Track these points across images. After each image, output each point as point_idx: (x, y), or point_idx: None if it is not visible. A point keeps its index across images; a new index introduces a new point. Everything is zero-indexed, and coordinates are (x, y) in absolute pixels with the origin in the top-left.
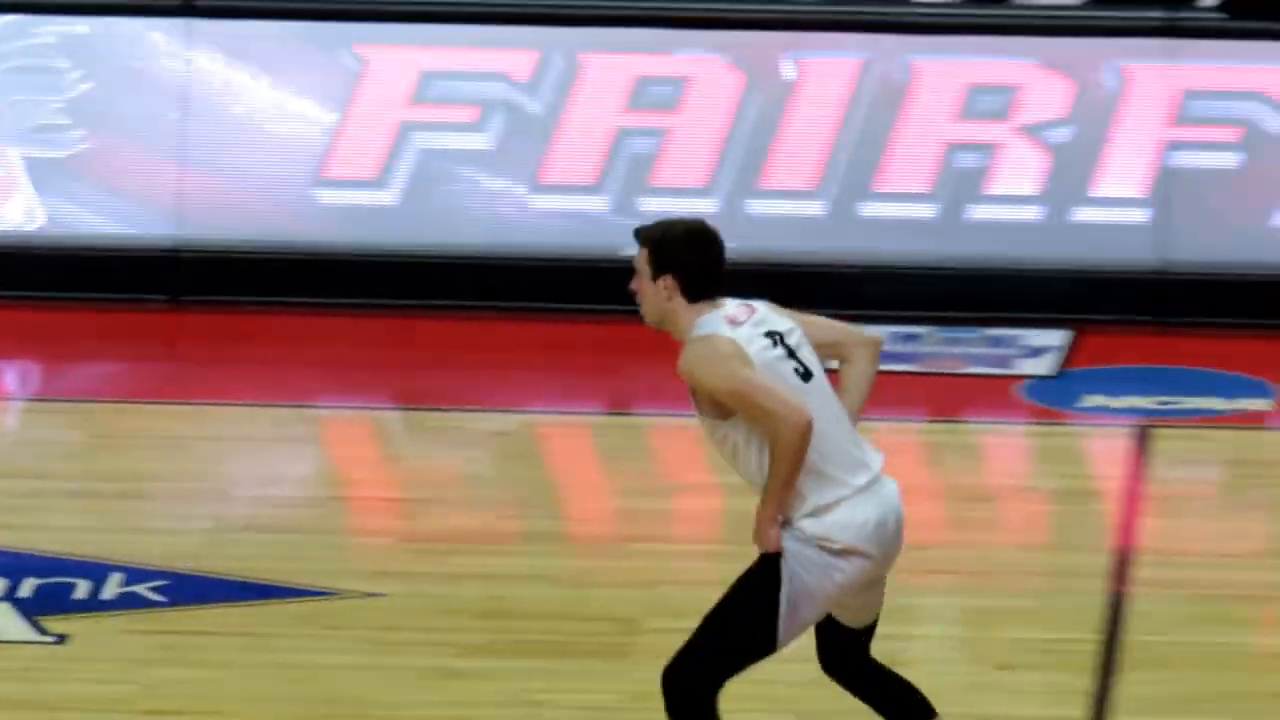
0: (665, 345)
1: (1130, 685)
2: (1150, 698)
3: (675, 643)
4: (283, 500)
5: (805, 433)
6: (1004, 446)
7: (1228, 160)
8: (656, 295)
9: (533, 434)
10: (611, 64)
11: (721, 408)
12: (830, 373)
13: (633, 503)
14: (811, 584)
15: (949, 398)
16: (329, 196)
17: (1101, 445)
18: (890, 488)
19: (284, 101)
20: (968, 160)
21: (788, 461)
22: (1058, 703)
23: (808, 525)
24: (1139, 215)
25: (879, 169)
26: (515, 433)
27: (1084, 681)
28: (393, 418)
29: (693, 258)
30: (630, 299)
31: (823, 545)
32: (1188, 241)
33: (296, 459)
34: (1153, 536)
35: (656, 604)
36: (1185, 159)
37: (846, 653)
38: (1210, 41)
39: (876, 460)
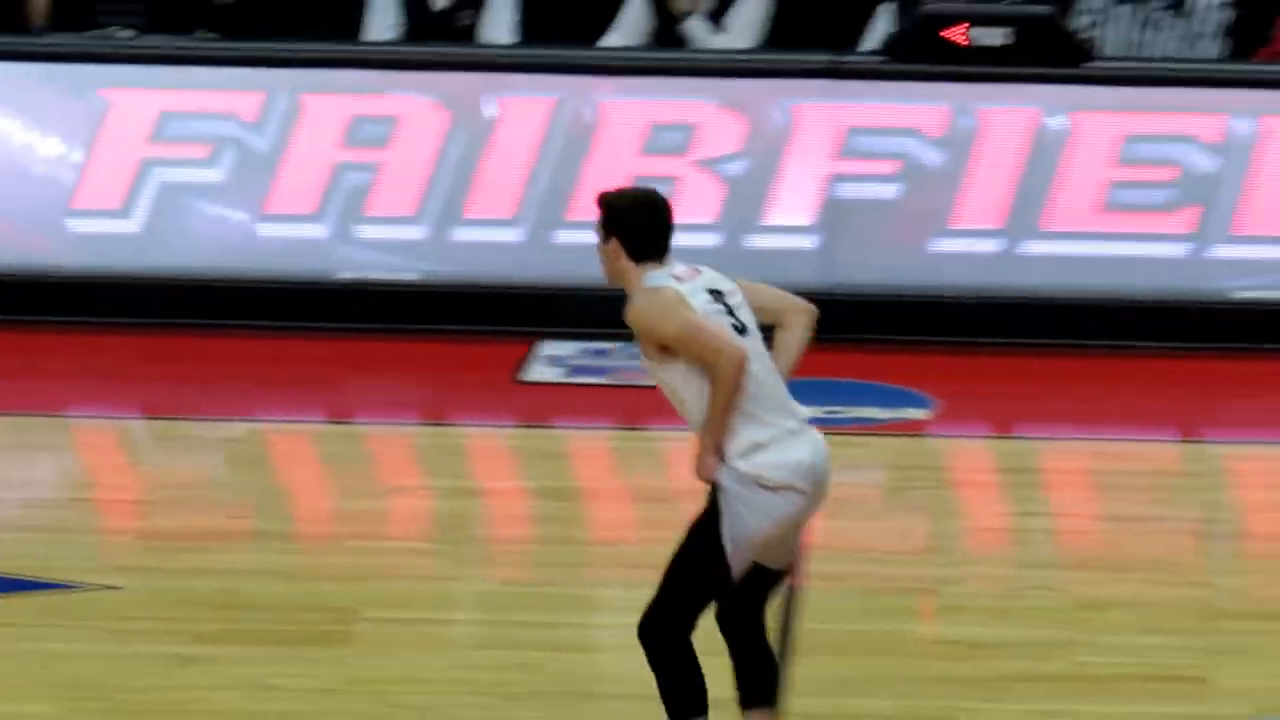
0: (381, 359)
1: (805, 669)
2: (824, 680)
3: (389, 630)
4: (28, 502)
5: (741, 365)
6: (685, 453)
7: (887, 191)
8: (608, 257)
9: (260, 441)
10: (329, 104)
11: (665, 352)
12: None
13: (350, 504)
14: (750, 520)
15: (636, 408)
16: (78, 225)
17: None
18: (817, 435)
19: (35, 140)
20: None
21: (725, 392)
22: None
23: (743, 465)
24: (807, 242)
25: (572, 199)
26: (244, 440)
27: None
28: (134, 426)
29: (637, 222)
30: (346, 318)
31: (759, 482)
32: (851, 265)
33: (42, 464)
34: (823, 535)
35: (371, 595)
36: (849, 190)
37: (747, 606)
38: (870, 83)
39: (804, 411)
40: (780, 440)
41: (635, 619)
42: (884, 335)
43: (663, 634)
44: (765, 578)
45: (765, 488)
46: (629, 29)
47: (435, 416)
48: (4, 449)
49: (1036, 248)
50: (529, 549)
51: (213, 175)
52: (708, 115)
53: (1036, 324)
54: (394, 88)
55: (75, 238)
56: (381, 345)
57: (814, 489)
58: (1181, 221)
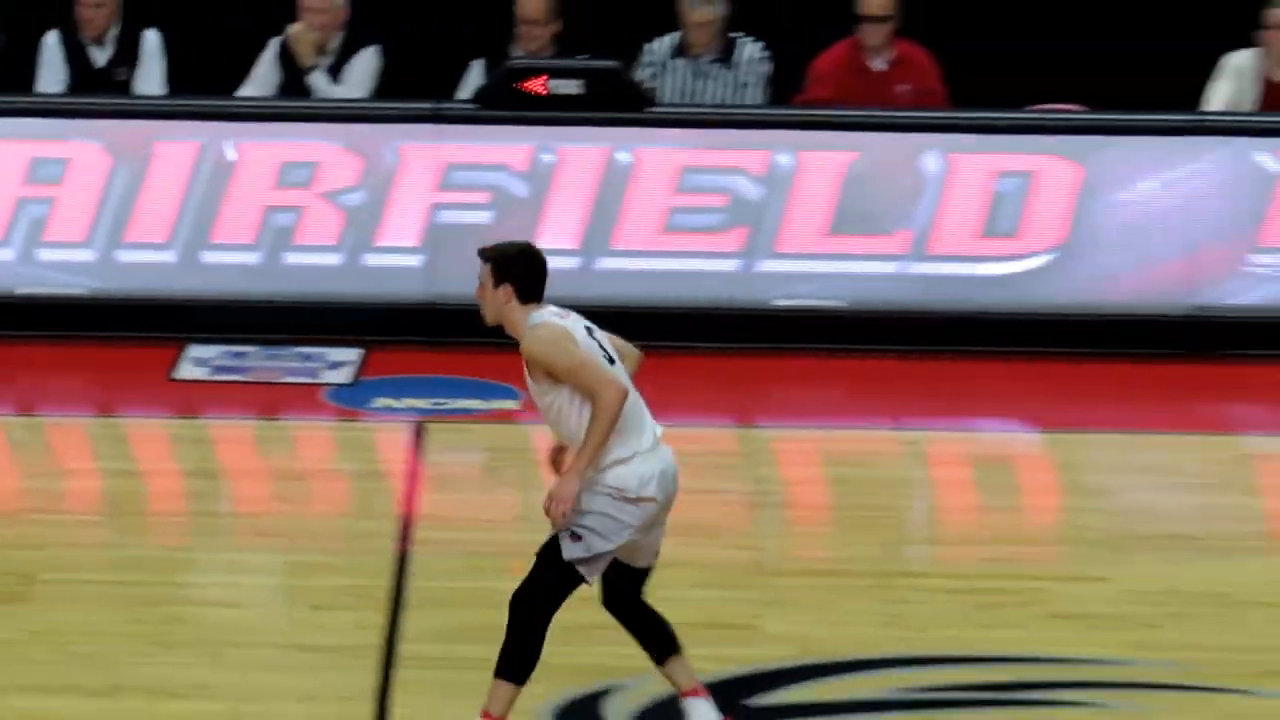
0: (57, 361)
1: (415, 620)
2: (436, 629)
3: (65, 590)
4: None
5: (623, 396)
6: (314, 438)
7: (481, 217)
8: (496, 299)
9: None
10: (11, 149)
11: (552, 378)
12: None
13: (31, 483)
14: (609, 526)
15: (271, 401)
16: None
17: (387, 437)
18: (668, 449)
19: None
20: (282, 219)
21: (609, 419)
22: (361, 635)
23: (609, 476)
24: (414, 260)
25: (216, 225)
26: None
27: (380, 617)
28: None
29: (525, 270)
30: (28, 327)
31: (621, 494)
32: (451, 279)
33: None
34: (430, 506)
35: (49, 561)
36: (449, 216)
37: (625, 593)
38: (466, 126)
39: (657, 429)
40: (643, 454)
41: (271, 580)
42: (479, 339)
43: (526, 610)
44: (635, 571)
45: (625, 499)
46: (261, 81)
47: (103, 409)
48: None
49: (608, 264)
50: (183, 520)
51: None
52: (329, 154)
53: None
54: (67, 134)
55: None
56: (57, 350)
57: (664, 497)
58: (731, 241)
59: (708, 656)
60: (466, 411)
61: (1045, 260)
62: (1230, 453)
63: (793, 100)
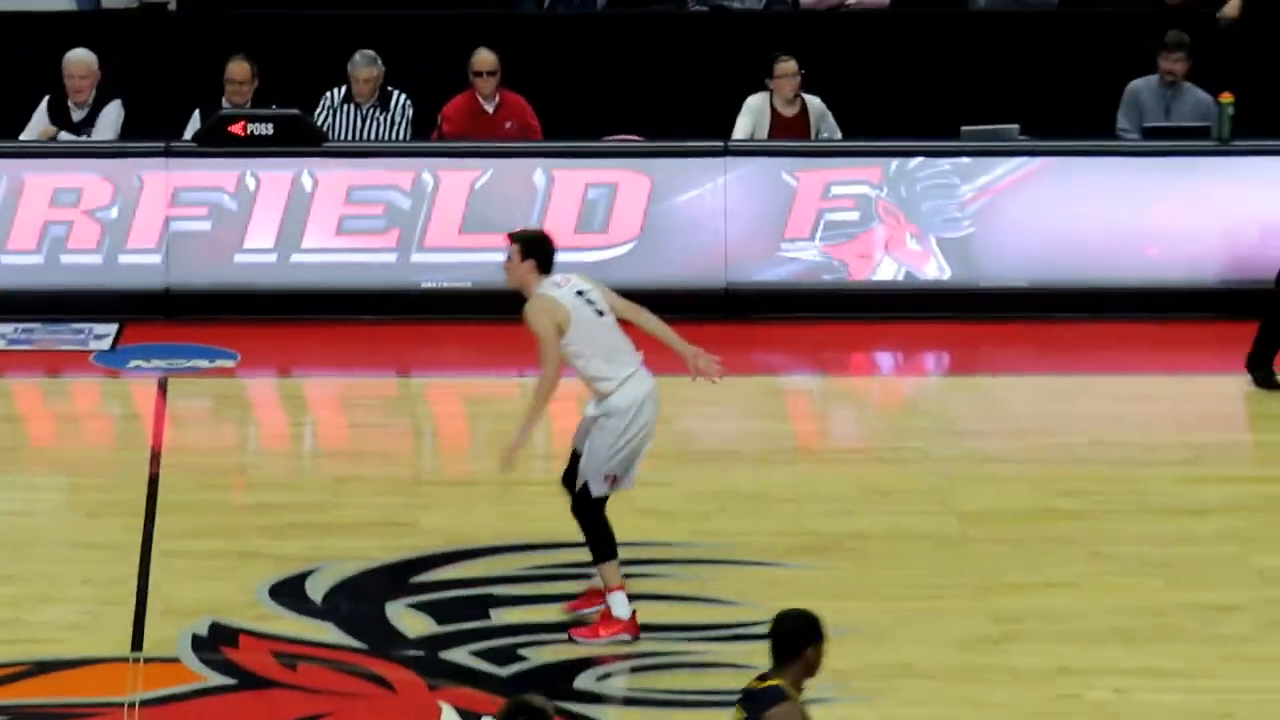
0: None
1: (166, 523)
2: (179, 530)
3: None
4: None
5: (555, 380)
6: (86, 391)
7: (204, 226)
8: (520, 271)
9: None
10: None
11: (561, 335)
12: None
13: None
14: (622, 454)
15: (53, 364)
16: None
17: (140, 388)
18: (649, 375)
19: None
20: (57, 230)
21: (543, 394)
22: (126, 535)
23: (611, 401)
24: (155, 259)
25: (9, 235)
26: None
27: (140, 522)
28: None
29: (545, 250)
30: None
31: (620, 414)
32: (184, 273)
33: None
34: (173, 439)
35: None
36: (179, 226)
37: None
38: (190, 159)
39: (638, 357)
40: (631, 378)
41: (57, 495)
42: (206, 315)
43: (586, 516)
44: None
45: (623, 415)
46: (34, 128)
47: None
48: None
49: (298, 258)
50: None
51: None
52: (90, 182)
53: (304, 308)
54: None
55: None
56: None
57: (652, 415)
58: (389, 239)
59: (382, 547)
60: (197, 369)
61: (626, 249)
62: (761, 389)
63: (432, 135)
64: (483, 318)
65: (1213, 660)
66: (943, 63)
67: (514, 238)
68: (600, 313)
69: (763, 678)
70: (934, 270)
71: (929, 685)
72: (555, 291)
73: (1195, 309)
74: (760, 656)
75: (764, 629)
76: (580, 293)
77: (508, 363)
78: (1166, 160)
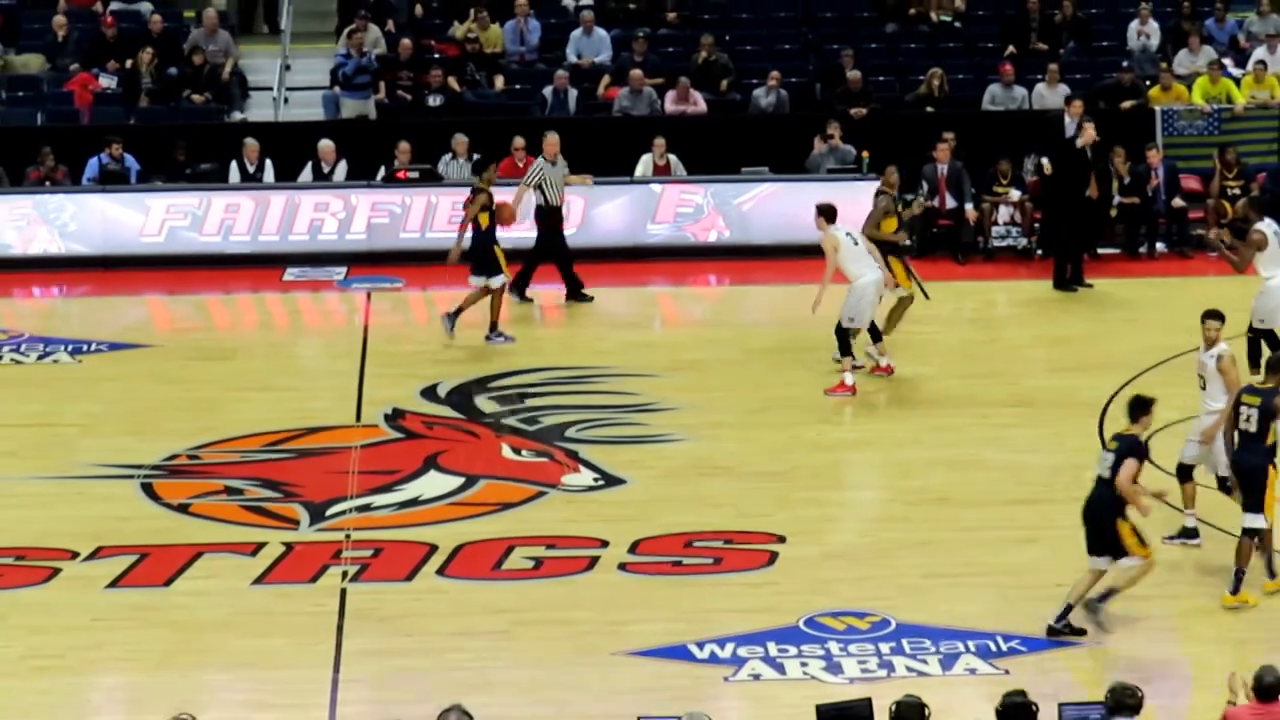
0: None
1: (372, 358)
2: (384, 361)
3: None
4: None
5: (832, 259)
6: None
7: None
8: (822, 226)
9: None
10: None
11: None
12: None
13: None
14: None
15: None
16: None
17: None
18: (878, 272)
19: None
20: None
21: (829, 273)
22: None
23: (856, 284)
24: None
25: None
26: None
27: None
28: None
29: (833, 212)
30: None
31: (862, 292)
32: None
33: None
34: (374, 323)
35: None
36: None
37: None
38: None
39: (874, 262)
40: (867, 274)
41: None
42: None
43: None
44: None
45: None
46: None
47: None
48: None
49: None
50: None
51: None
52: None
53: None
54: None
55: None
56: None
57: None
58: None
59: (474, 369)
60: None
61: (577, 230)
62: (645, 298)
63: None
64: None
65: None
66: (732, 139)
67: (821, 208)
68: (855, 241)
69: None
70: (724, 235)
71: None
72: (841, 232)
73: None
74: None
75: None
76: (849, 234)
77: None
78: (826, 183)
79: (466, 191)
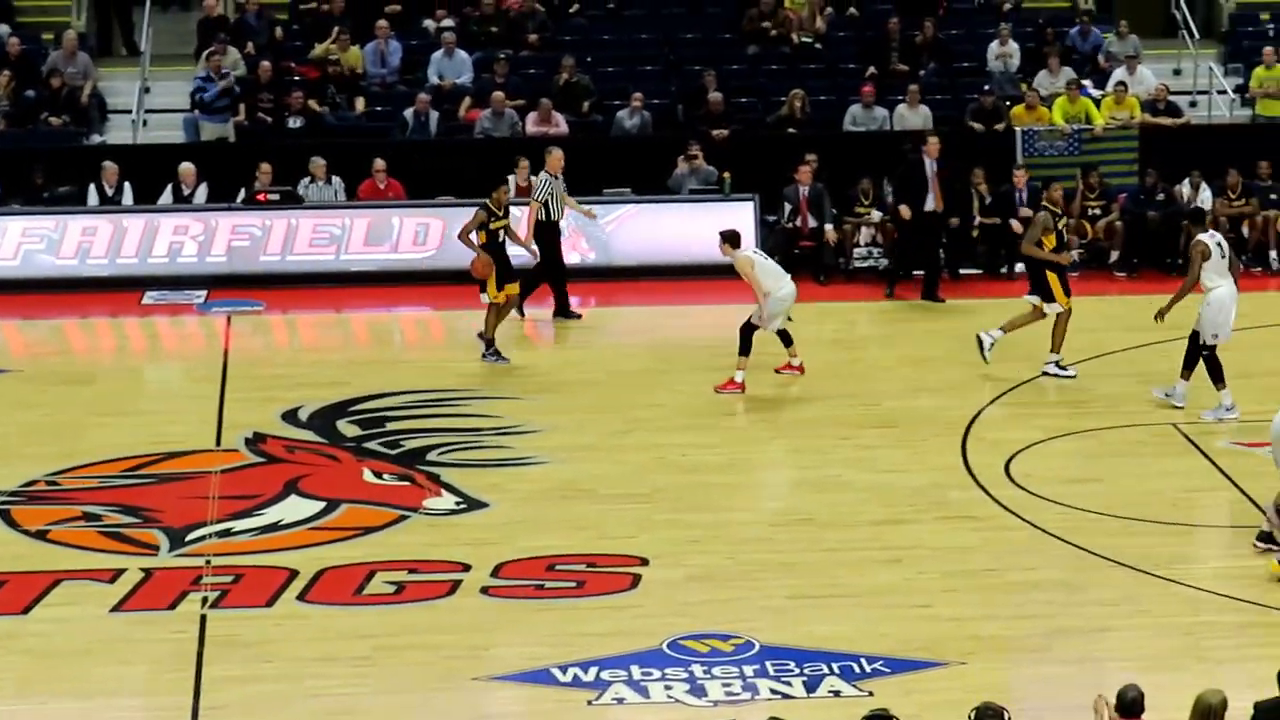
0: None
1: (233, 381)
2: (246, 385)
3: None
4: None
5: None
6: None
7: None
8: (728, 251)
9: None
10: None
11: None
12: None
13: None
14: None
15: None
16: None
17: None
18: (792, 283)
19: None
20: None
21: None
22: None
23: (771, 298)
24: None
25: None
26: None
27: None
28: None
29: (737, 235)
30: None
31: (777, 305)
32: None
33: None
34: (235, 346)
35: None
36: None
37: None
38: None
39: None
40: (784, 288)
41: None
42: None
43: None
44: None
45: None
46: None
47: None
48: None
49: None
50: None
51: None
52: None
53: None
54: None
55: None
56: None
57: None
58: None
59: (334, 393)
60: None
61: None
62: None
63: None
64: None
65: None
66: (594, 160)
67: (725, 235)
68: (766, 255)
69: None
70: (588, 256)
71: None
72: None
73: (693, 274)
74: None
75: None
76: (759, 251)
77: None
78: (689, 204)
79: (329, 213)
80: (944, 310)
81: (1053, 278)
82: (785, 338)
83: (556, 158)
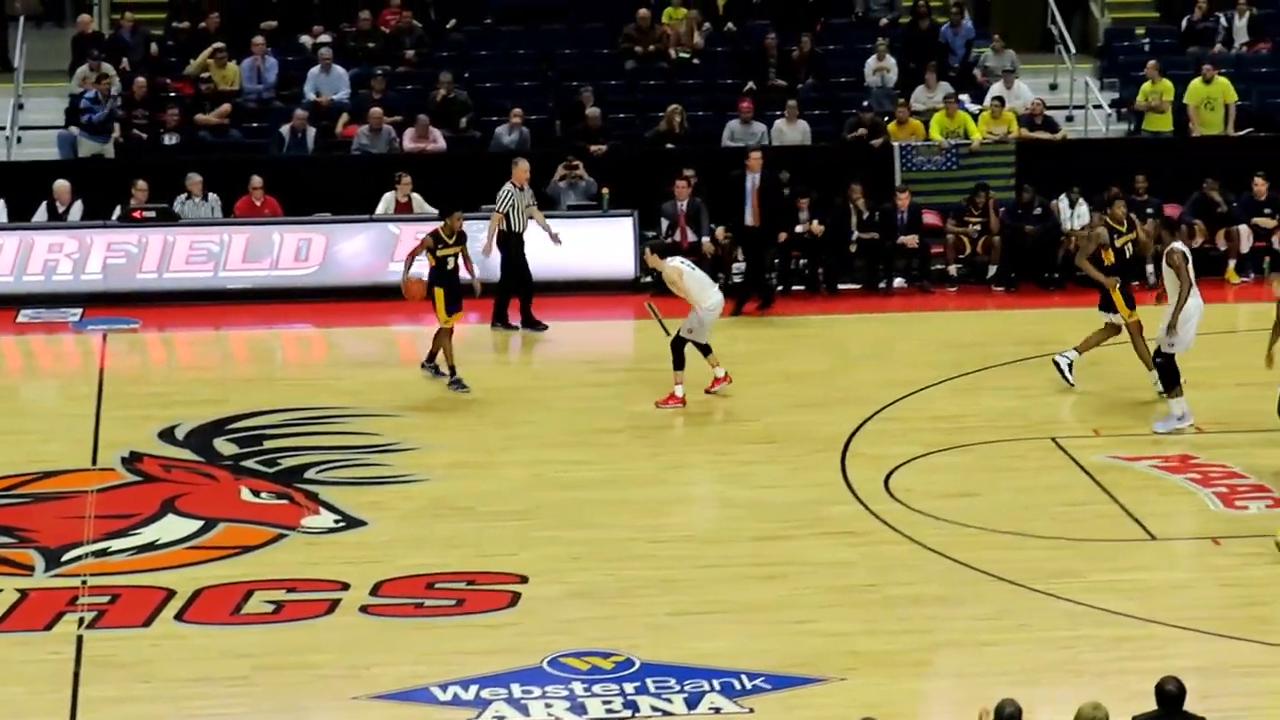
0: None
1: (109, 396)
2: (123, 403)
3: None
4: None
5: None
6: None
7: None
8: (656, 263)
9: None
10: None
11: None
12: None
13: None
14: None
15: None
16: None
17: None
18: (719, 292)
19: None
20: None
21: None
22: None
23: (703, 307)
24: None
25: None
26: None
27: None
28: None
29: (673, 250)
30: None
31: (705, 316)
32: None
33: None
34: (110, 364)
35: None
36: None
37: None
38: None
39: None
40: (712, 298)
41: None
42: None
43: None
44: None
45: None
46: None
47: None
48: None
49: None
50: None
51: None
52: None
53: None
54: None
55: None
56: None
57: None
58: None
59: (213, 411)
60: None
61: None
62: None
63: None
64: None
65: None
66: (472, 176)
67: (654, 248)
68: (694, 266)
69: None
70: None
71: None
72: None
73: (572, 290)
74: None
75: None
76: (688, 262)
77: None
78: (569, 219)
79: (206, 230)
80: (819, 325)
81: (1115, 293)
82: (704, 349)
83: (522, 169)
